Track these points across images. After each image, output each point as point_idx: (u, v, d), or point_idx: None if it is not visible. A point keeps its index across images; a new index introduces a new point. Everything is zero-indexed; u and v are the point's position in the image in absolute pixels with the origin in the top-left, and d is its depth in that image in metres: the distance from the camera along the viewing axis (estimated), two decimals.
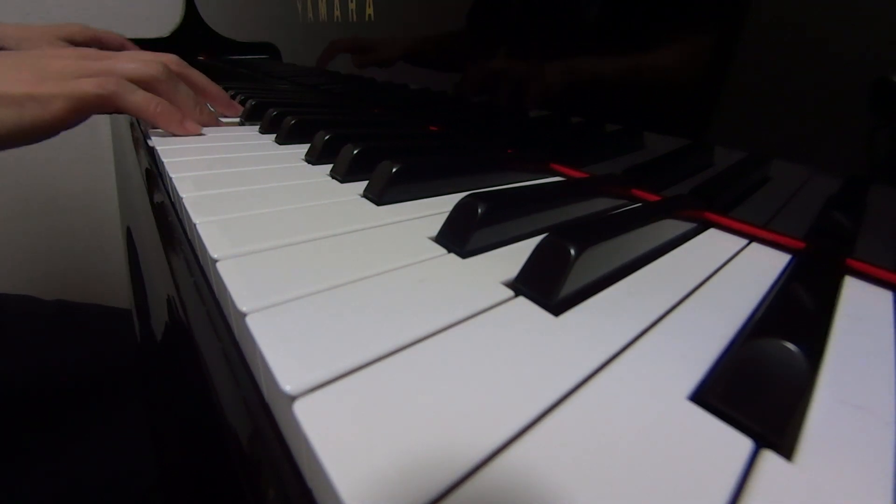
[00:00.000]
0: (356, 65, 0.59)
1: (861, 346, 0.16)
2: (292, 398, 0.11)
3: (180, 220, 0.26)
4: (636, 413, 0.12)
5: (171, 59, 0.44)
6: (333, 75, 0.66)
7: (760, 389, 0.11)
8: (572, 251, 0.16)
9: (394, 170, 0.26)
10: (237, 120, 0.50)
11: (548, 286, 0.16)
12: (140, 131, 0.45)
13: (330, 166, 0.32)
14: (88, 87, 0.36)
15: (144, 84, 0.39)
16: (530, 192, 0.24)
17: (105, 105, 0.37)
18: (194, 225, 0.21)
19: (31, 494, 0.36)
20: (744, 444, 0.11)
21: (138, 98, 0.38)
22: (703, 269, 0.20)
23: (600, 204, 0.28)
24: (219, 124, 0.46)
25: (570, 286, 0.16)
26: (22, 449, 0.38)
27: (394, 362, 0.12)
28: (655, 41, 0.28)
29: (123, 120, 0.56)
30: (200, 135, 0.41)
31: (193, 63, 0.47)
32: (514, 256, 0.19)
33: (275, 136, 0.41)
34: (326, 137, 0.34)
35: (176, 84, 0.42)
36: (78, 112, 0.36)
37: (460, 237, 0.20)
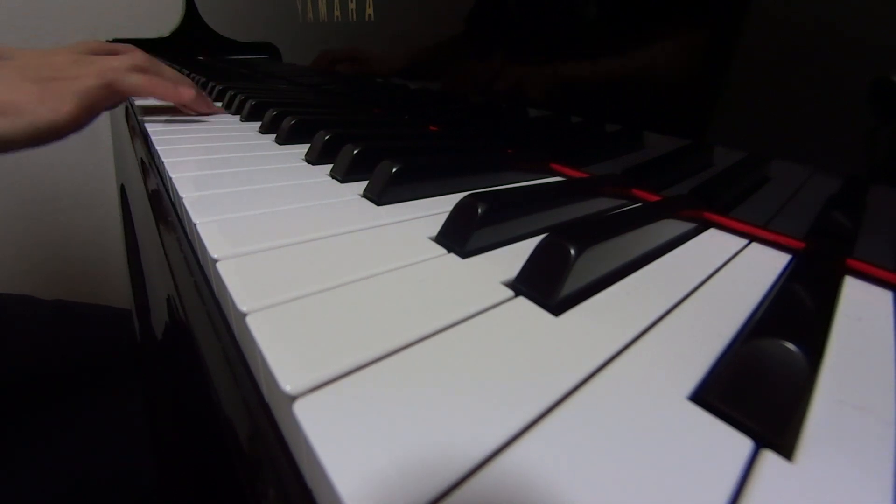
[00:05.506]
0: (353, 71, 0.59)
1: (861, 346, 0.16)
2: (292, 398, 0.11)
3: (180, 220, 0.26)
4: (636, 413, 0.12)
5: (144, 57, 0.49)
6: (333, 75, 0.66)
7: (760, 389, 0.11)
8: (572, 251, 0.16)
9: (394, 170, 0.26)
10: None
11: (548, 286, 0.16)
12: (139, 129, 0.45)
13: (330, 166, 0.32)
14: (91, 80, 0.39)
15: (137, 71, 0.44)
16: (530, 192, 0.24)
17: (110, 94, 0.40)
18: (194, 225, 0.21)
19: (31, 494, 0.36)
20: (744, 443, 0.11)
21: (134, 79, 0.43)
22: (703, 269, 0.20)
23: (600, 204, 0.28)
24: (211, 109, 0.51)
25: (570, 286, 0.16)
26: (22, 448, 0.38)
27: (394, 362, 0.12)
28: (655, 41, 0.28)
29: (123, 119, 0.56)
30: (194, 109, 0.48)
31: (193, 63, 0.48)
32: (514, 256, 0.19)
33: (275, 136, 0.41)
34: (326, 137, 0.34)
35: (159, 67, 0.48)
36: (88, 109, 0.38)
37: (460, 237, 0.20)
